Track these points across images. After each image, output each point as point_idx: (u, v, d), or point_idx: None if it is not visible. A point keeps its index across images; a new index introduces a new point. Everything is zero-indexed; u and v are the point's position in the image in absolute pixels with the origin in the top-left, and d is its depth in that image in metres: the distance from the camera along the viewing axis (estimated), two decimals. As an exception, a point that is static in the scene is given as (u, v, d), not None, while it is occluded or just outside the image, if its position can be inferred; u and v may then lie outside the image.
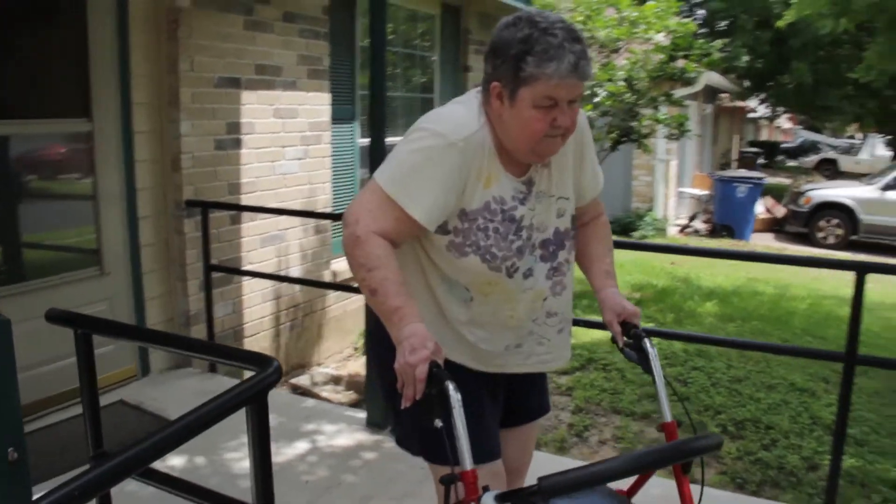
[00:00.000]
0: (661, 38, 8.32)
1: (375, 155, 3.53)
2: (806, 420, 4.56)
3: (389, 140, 6.36)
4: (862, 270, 2.93)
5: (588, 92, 8.15)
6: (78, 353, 2.04)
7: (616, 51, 8.33)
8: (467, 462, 1.49)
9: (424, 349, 1.55)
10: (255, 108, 4.71)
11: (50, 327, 3.51)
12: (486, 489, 1.46)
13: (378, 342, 1.86)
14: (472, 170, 1.74)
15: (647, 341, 1.79)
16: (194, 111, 4.24)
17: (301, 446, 3.48)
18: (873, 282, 3.07)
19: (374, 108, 3.54)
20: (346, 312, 5.81)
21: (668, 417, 1.74)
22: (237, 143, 4.59)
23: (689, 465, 1.68)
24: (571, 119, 1.68)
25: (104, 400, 3.86)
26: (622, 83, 8.02)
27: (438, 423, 1.51)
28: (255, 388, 1.54)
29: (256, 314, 4.87)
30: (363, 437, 3.58)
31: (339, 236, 5.77)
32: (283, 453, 3.40)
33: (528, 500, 1.41)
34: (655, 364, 1.77)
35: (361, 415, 3.80)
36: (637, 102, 8.10)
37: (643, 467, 1.60)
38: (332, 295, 5.65)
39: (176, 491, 1.93)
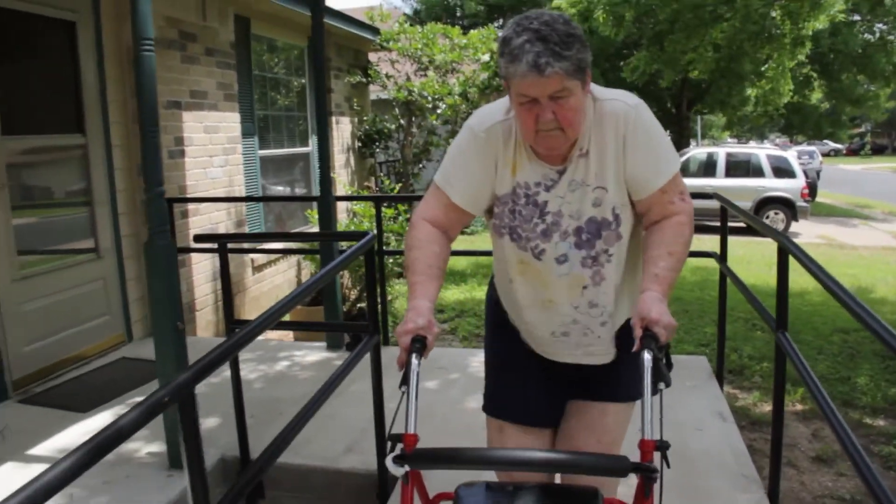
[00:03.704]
0: (486, 58, 10.13)
1: (323, 164, 4.89)
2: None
3: (283, 150, 7.65)
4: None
5: (430, 105, 9.81)
6: (221, 258, 3.23)
7: (452, 71, 10.02)
8: (411, 427, 1.61)
9: (412, 323, 1.70)
10: (192, 125, 5.86)
11: (79, 296, 4.63)
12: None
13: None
14: (498, 156, 1.89)
15: (645, 352, 1.63)
16: (154, 128, 5.35)
17: (285, 363, 4.75)
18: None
19: (321, 127, 4.90)
20: (262, 293, 7.00)
21: (646, 434, 1.57)
22: (182, 154, 5.73)
23: (650, 487, 1.55)
24: (561, 116, 1.69)
25: (109, 358, 4.92)
26: (458, 97, 9.74)
27: (403, 388, 1.65)
28: (365, 246, 2.90)
29: (202, 291, 5.99)
30: (328, 354, 4.90)
31: (257, 226, 6.98)
32: (275, 369, 4.65)
33: (404, 460, 1.56)
34: (646, 377, 1.61)
35: (318, 344, 5.11)
36: (471, 112, 9.85)
37: (527, 465, 1.68)
38: (252, 279, 6.83)
39: (300, 328, 3.18)
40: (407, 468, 1.57)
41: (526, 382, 2.07)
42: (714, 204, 4.39)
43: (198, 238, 3.73)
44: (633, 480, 1.62)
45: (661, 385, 1.61)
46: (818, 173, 29.17)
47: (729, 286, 4.19)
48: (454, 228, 1.98)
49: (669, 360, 1.72)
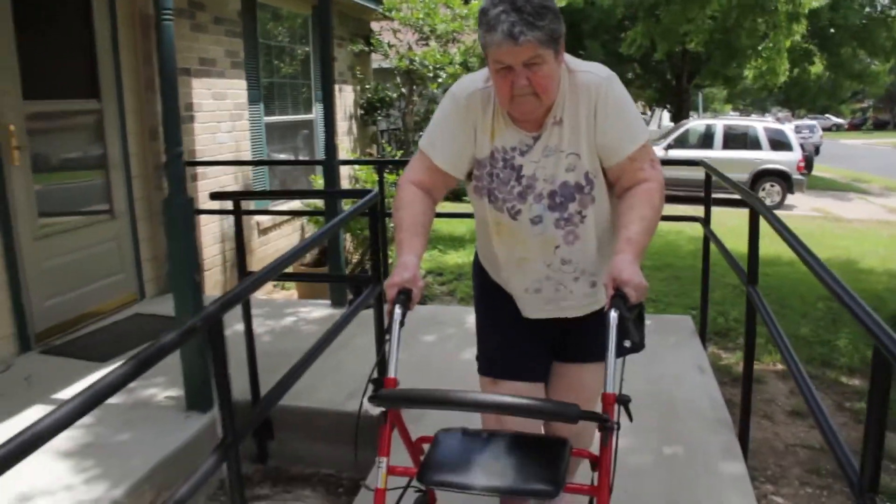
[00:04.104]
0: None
1: (329, 129, 5.09)
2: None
3: (287, 117, 7.84)
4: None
5: (431, 74, 9.97)
6: (235, 214, 3.46)
7: (453, 41, 10.15)
8: (391, 370, 1.80)
9: (399, 276, 1.84)
10: (201, 91, 6.05)
11: (95, 255, 4.84)
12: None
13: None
14: (477, 122, 2.01)
15: (612, 310, 1.72)
16: (165, 94, 5.55)
17: (291, 319, 5.00)
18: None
19: (326, 94, 5.09)
20: (267, 255, 7.22)
21: (608, 389, 1.69)
22: (191, 119, 5.92)
23: (607, 436, 1.68)
24: (535, 81, 1.81)
25: (123, 315, 5.16)
26: (459, 66, 9.89)
27: (387, 337, 1.81)
28: (369, 201, 3.12)
29: (210, 252, 6.23)
30: (332, 311, 5.15)
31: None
32: (282, 324, 4.90)
33: (377, 400, 1.71)
34: (610, 333, 1.70)
35: (323, 301, 5.35)
36: (471, 82, 10.02)
37: (487, 408, 1.85)
38: (257, 241, 7.06)
39: (307, 280, 3.42)
40: (383, 407, 1.72)
41: (515, 340, 2.20)
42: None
43: (214, 195, 3.96)
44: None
45: (627, 343, 1.70)
46: (818, 147, 29.30)
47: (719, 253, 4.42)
48: (438, 190, 2.11)
49: (642, 318, 1.78)
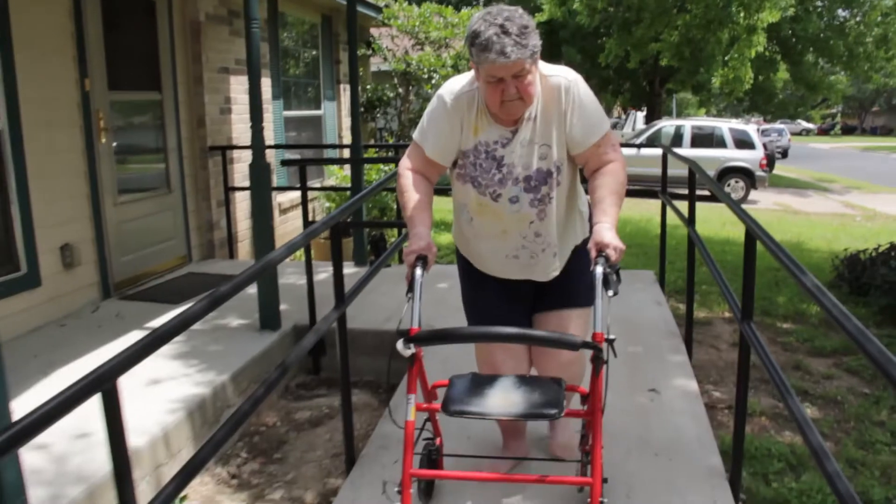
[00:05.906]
0: (476, 36, 11.27)
1: (354, 120, 6.08)
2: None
3: (301, 112, 8.81)
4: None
5: (426, 76, 11.00)
6: (301, 176, 4.43)
7: (445, 46, 11.20)
8: (415, 322, 2.02)
9: (416, 245, 2.15)
10: (236, 87, 7.02)
11: (156, 221, 5.77)
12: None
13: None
14: (463, 120, 2.30)
15: (598, 266, 2.03)
16: (210, 89, 6.53)
17: (324, 275, 5.96)
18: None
19: (353, 91, 6.09)
20: (286, 233, 8.20)
21: (597, 329, 1.96)
22: (229, 111, 6.90)
23: (599, 367, 1.93)
24: (522, 89, 2.11)
25: (179, 273, 6.11)
26: (451, 69, 10.93)
27: (409, 295, 2.07)
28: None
29: (243, 226, 7.19)
30: (355, 269, 6.15)
31: (282, 179, 8.16)
32: (318, 278, 5.86)
33: (410, 341, 1.97)
34: (597, 285, 1.98)
35: (347, 262, 6.35)
36: (462, 84, 11.07)
37: (503, 338, 2.15)
38: (278, 220, 8.02)
39: (369, 226, 4.41)
40: (413, 348, 1.98)
41: (497, 303, 2.58)
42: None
43: (284, 162, 4.95)
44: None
45: (610, 292, 2.00)
46: (786, 150, 30.71)
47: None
48: (432, 175, 2.44)
49: (619, 275, 2.09)
